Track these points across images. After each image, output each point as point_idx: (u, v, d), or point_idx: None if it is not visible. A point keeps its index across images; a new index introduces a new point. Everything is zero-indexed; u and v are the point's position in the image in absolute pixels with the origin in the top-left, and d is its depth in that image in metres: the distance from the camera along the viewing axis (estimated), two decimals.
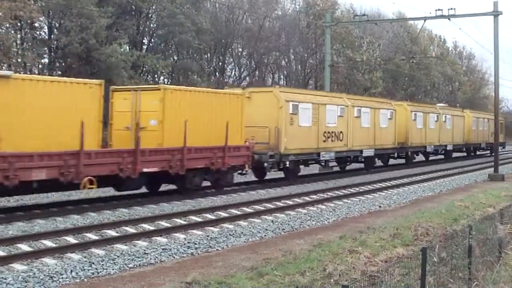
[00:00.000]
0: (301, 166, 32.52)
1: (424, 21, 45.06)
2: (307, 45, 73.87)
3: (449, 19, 40.60)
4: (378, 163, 43.60)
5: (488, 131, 63.39)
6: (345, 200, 25.11)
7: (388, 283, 10.50)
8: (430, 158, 52.18)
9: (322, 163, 33.70)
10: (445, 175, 37.89)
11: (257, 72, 72.00)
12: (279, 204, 23.33)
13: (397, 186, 30.88)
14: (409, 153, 46.28)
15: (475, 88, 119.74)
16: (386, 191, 28.60)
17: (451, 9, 39.80)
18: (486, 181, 36.11)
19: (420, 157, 50.84)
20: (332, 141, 33.40)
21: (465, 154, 61.60)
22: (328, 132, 32.98)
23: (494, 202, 24.65)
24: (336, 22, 56.54)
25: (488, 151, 65.71)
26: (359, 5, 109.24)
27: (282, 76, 77.34)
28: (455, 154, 57.85)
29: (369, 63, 74.89)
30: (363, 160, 38.56)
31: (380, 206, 24.26)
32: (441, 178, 35.87)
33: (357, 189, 28.95)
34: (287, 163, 29.72)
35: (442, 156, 54.86)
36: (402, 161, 46.99)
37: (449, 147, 53.94)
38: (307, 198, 25.21)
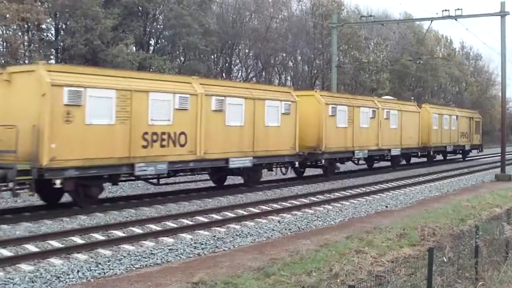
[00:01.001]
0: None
1: (431, 21, 45.01)
2: (314, 46, 73.90)
3: (456, 20, 40.50)
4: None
5: (457, 131, 53.84)
6: (352, 201, 25.09)
7: (394, 283, 10.48)
8: (354, 167, 40.92)
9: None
10: (452, 176, 37.81)
11: (263, 73, 72.04)
12: (286, 204, 23.33)
13: (404, 186, 30.82)
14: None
15: (482, 88, 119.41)
16: (392, 192, 28.56)
17: (458, 9, 39.72)
18: (493, 182, 36.03)
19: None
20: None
21: (424, 159, 49.99)
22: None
23: (501, 202, 24.59)
24: (343, 23, 56.48)
25: (460, 155, 57.26)
26: (365, 6, 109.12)
27: (289, 77, 77.36)
28: (412, 160, 49.20)
29: (375, 64, 74.85)
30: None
31: (386, 207, 24.23)
32: (447, 179, 35.80)
33: (364, 189, 28.90)
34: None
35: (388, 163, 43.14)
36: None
37: (395, 152, 40.61)
38: (313, 199, 25.20)
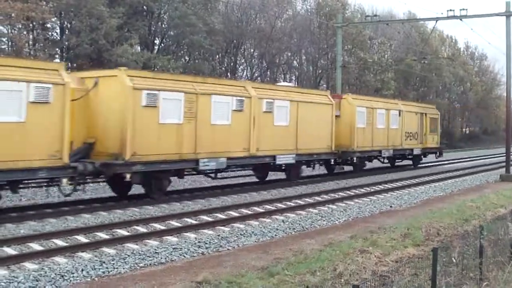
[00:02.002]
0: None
1: (436, 21, 44.99)
2: (319, 46, 73.86)
3: (461, 20, 40.47)
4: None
5: (401, 131, 41.24)
6: (356, 200, 25.08)
7: (398, 283, 10.47)
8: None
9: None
10: (457, 176, 37.76)
11: (268, 73, 72.04)
12: (290, 204, 23.33)
13: (408, 186, 30.80)
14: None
15: (487, 88, 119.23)
16: (397, 191, 28.55)
17: (463, 9, 39.70)
18: (498, 182, 36.01)
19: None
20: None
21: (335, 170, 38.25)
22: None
23: (505, 202, 24.57)
24: (348, 22, 56.44)
25: (400, 161, 45.08)
26: (370, 6, 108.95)
27: (293, 77, 77.37)
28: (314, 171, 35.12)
29: (380, 64, 74.78)
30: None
31: (391, 206, 24.21)
32: (452, 179, 35.77)
33: (368, 189, 28.90)
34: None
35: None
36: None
37: (283, 160, 29.05)
38: (318, 198, 25.20)
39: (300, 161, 30.44)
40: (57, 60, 44.81)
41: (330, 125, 32.39)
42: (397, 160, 44.17)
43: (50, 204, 21.44)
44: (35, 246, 14.87)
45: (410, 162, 44.91)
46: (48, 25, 48.33)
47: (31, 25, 44.72)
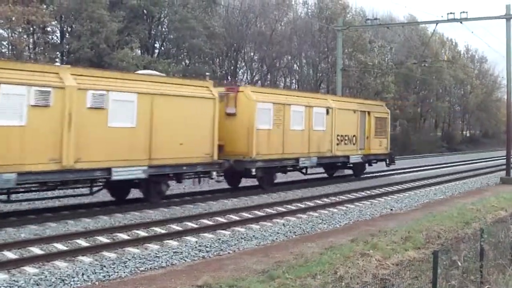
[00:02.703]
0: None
1: (436, 24, 44.83)
2: (319, 49, 73.90)
3: (461, 23, 40.40)
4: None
5: (331, 134, 32.31)
6: (357, 204, 25.08)
7: (399, 286, 10.48)
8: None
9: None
10: (457, 178, 37.72)
11: (269, 76, 72.08)
12: (291, 207, 23.34)
13: (409, 189, 30.77)
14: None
15: (487, 91, 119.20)
16: (397, 194, 28.54)
17: (463, 12, 39.62)
18: (498, 184, 36.00)
19: None
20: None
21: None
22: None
23: (506, 205, 24.54)
24: (348, 26, 56.42)
25: (323, 173, 36.95)
26: (370, 9, 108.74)
27: (294, 80, 77.41)
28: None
29: (380, 67, 74.74)
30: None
31: (391, 209, 24.22)
32: (452, 182, 35.74)
33: (369, 192, 28.89)
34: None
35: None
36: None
37: (120, 175, 20.64)
38: (318, 201, 25.18)
39: (157, 175, 22.17)
40: (58, 64, 44.98)
41: (210, 126, 24.21)
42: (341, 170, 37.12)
43: (50, 208, 21.49)
44: (36, 250, 14.87)
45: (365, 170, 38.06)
46: (49, 29, 48.48)
47: (31, 28, 44.79)
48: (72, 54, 46.43)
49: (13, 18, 40.53)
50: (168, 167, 22.57)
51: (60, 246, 15.40)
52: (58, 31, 50.04)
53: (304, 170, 32.27)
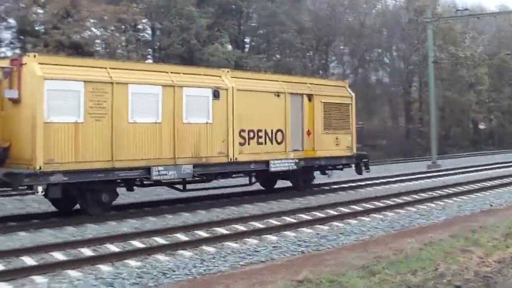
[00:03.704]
0: None
1: None
2: (409, 42, 72.84)
3: None
4: None
5: (227, 126, 21.84)
6: (455, 199, 24.42)
7: (502, 284, 10.31)
8: None
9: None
10: None
11: (359, 70, 71.59)
12: (388, 202, 23.01)
13: (508, 184, 29.91)
14: None
15: None
16: (496, 190, 27.79)
17: None
18: None
19: None
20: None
21: None
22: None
23: None
24: (437, 17, 55.29)
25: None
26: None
27: (385, 73, 76.59)
28: None
29: (473, 59, 73.07)
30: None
31: (491, 205, 23.60)
32: None
33: (467, 187, 28.19)
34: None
35: None
36: None
37: None
38: (416, 196, 24.71)
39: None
40: (150, 61, 46.16)
41: None
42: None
43: (149, 202, 22.02)
44: (137, 244, 15.14)
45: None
46: (140, 26, 49.70)
47: (123, 27, 46.02)
48: (163, 50, 47.46)
49: (106, 17, 41.84)
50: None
51: (160, 240, 15.61)
52: (149, 29, 51.35)
53: (181, 186, 21.92)
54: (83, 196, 18.89)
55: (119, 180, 19.58)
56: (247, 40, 58.26)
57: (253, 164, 23.00)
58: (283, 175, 25.43)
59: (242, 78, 23.56)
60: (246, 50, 54.97)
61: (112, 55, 42.07)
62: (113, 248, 14.67)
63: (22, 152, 17.61)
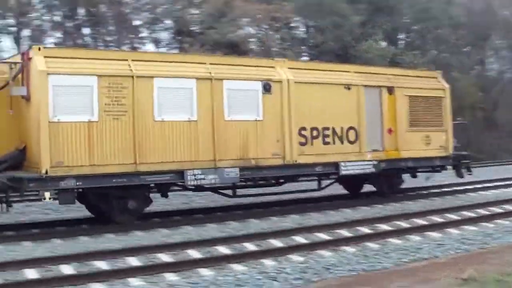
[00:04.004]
0: None
1: None
2: None
3: None
4: None
5: (282, 123, 19.16)
6: None
7: None
8: None
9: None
10: None
11: None
12: None
13: None
14: None
15: None
16: None
17: None
18: None
19: None
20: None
21: None
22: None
23: None
24: None
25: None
26: None
27: None
28: None
29: None
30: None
31: None
32: None
33: None
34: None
35: None
36: None
37: None
38: None
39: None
40: (306, 58, 46.79)
41: None
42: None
43: (310, 199, 22.35)
44: (299, 239, 15.35)
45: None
46: (293, 24, 50.47)
47: (276, 25, 46.87)
48: (317, 47, 47.96)
49: (259, 16, 42.92)
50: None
51: (322, 236, 15.74)
52: (302, 27, 52.01)
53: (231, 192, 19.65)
54: (108, 203, 17.16)
55: (152, 185, 17.75)
56: (401, 36, 57.59)
57: (319, 166, 20.13)
58: (364, 178, 22.96)
59: (301, 69, 20.64)
60: (401, 46, 54.32)
61: (267, 53, 42.95)
62: (276, 243, 14.95)
63: (33, 154, 16.20)
